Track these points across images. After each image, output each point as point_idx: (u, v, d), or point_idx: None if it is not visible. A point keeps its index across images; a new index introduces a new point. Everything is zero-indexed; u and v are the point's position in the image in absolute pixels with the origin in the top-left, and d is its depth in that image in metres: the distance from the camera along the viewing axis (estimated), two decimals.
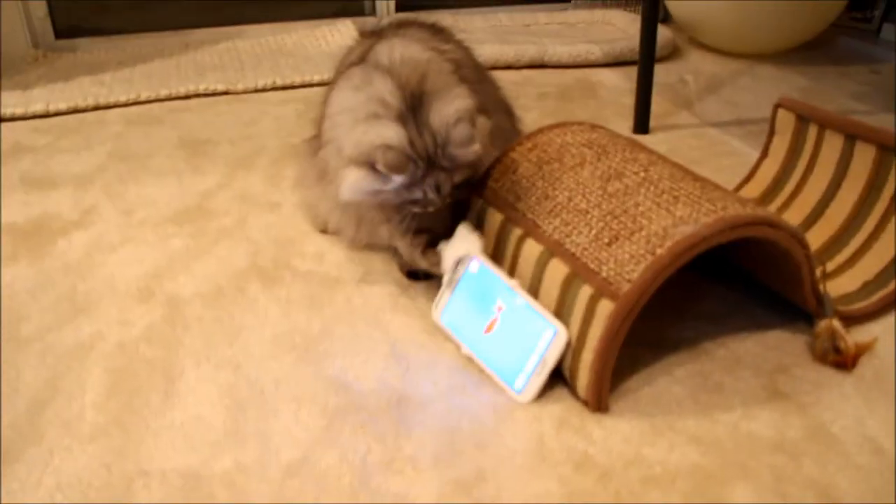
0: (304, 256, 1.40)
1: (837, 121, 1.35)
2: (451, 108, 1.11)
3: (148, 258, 1.41)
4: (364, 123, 1.12)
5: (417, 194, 1.12)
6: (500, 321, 1.11)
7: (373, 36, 1.36)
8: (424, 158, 1.10)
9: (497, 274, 1.13)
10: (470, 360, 1.12)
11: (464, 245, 1.18)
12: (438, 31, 1.43)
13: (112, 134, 2.00)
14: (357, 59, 1.28)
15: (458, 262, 1.18)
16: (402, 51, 1.19)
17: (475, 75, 1.38)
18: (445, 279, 1.19)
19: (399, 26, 1.41)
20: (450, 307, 1.18)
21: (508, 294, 1.11)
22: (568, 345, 1.04)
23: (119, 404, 1.06)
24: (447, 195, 1.13)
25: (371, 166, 1.10)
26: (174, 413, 1.04)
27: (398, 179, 1.09)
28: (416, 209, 1.15)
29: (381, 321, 1.22)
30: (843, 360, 1.09)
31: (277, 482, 0.92)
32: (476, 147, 1.11)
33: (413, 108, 1.11)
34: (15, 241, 1.48)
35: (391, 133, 1.09)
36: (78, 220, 1.55)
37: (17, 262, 1.40)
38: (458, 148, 1.10)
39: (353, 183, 1.12)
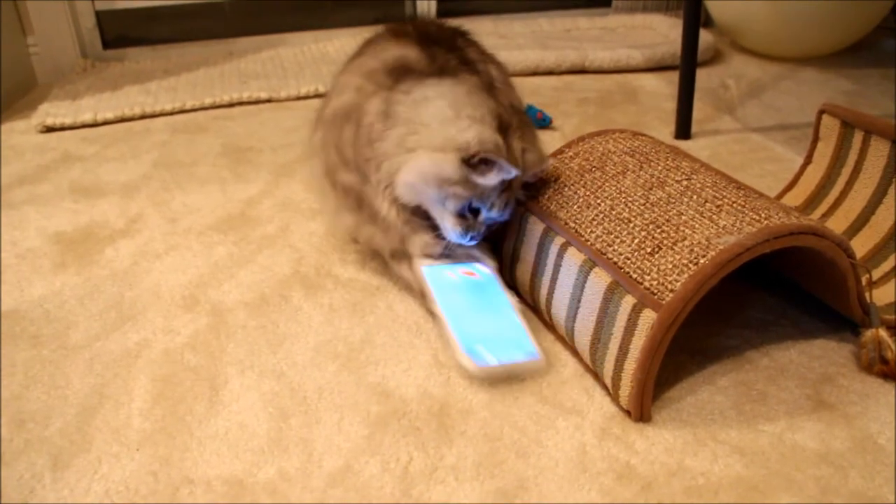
0: (346, 264, 1.42)
1: (883, 126, 1.33)
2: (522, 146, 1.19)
3: (192, 266, 1.43)
4: (467, 120, 1.14)
5: (486, 202, 1.16)
6: (491, 315, 1.16)
7: (409, 40, 1.36)
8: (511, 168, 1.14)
9: (503, 289, 1.19)
10: (433, 315, 1.17)
11: (477, 253, 1.25)
12: (466, 40, 1.45)
13: (158, 142, 2.04)
14: (397, 65, 1.29)
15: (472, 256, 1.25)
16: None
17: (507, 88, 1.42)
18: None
19: (435, 29, 1.42)
20: (440, 269, 1.22)
21: (507, 309, 1.17)
22: (536, 371, 1.10)
23: (165, 412, 1.07)
24: (500, 215, 1.19)
25: (459, 156, 1.12)
26: (218, 421, 1.05)
27: (489, 179, 1.12)
28: (463, 221, 1.17)
29: (423, 329, 1.23)
30: (889, 370, 1.08)
31: (320, 491, 0.93)
32: (546, 166, 1.20)
33: (505, 129, 1.17)
34: (64, 249, 1.51)
35: (497, 139, 1.14)
36: (125, 228, 1.58)
37: (65, 270, 1.43)
38: (529, 171, 1.19)
39: (430, 165, 1.14)
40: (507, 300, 1.18)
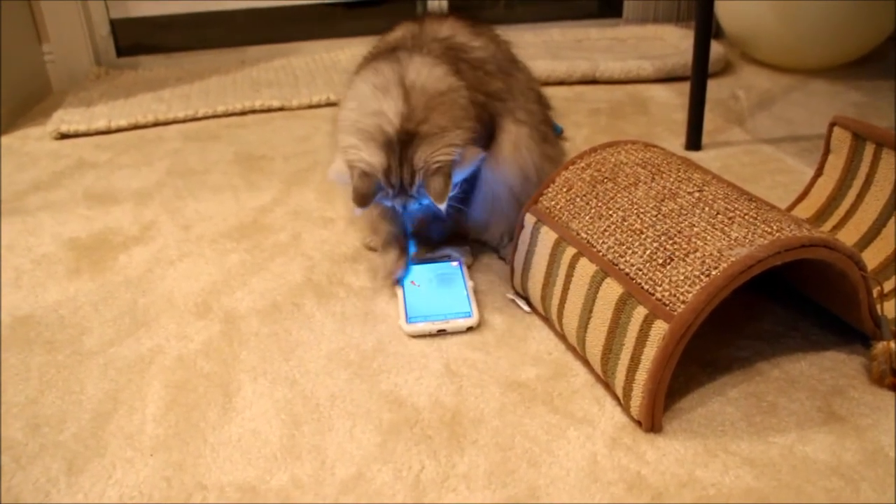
0: (359, 272, 1.42)
1: (895, 139, 1.33)
2: (435, 157, 1.19)
3: (205, 273, 1.44)
4: (358, 136, 1.22)
5: (387, 203, 1.26)
6: (444, 292, 1.31)
7: (414, 23, 1.42)
8: (397, 186, 1.21)
9: (465, 273, 1.36)
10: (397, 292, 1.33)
11: (456, 252, 1.42)
12: (476, 24, 1.46)
13: (170, 150, 2.05)
14: (389, 47, 1.36)
15: (445, 255, 1.42)
16: (428, 76, 1.25)
17: (503, 67, 1.41)
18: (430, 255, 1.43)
19: (440, 17, 1.45)
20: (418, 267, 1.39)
21: (461, 281, 1.33)
22: (469, 329, 1.25)
23: (178, 418, 1.08)
24: (411, 213, 1.32)
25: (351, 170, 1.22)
26: (231, 427, 1.06)
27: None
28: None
29: (435, 338, 1.23)
30: None
31: (332, 498, 0.94)
32: (445, 201, 1.20)
33: (404, 141, 1.20)
34: (78, 255, 1.52)
35: (372, 160, 1.20)
36: (138, 235, 1.59)
37: (79, 276, 1.44)
38: (430, 193, 1.20)
39: (338, 172, 1.25)
40: (465, 282, 1.33)
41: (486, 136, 1.32)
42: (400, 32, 1.41)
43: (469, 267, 1.41)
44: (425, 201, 1.24)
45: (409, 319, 1.25)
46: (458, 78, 1.27)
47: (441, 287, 1.32)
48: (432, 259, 1.40)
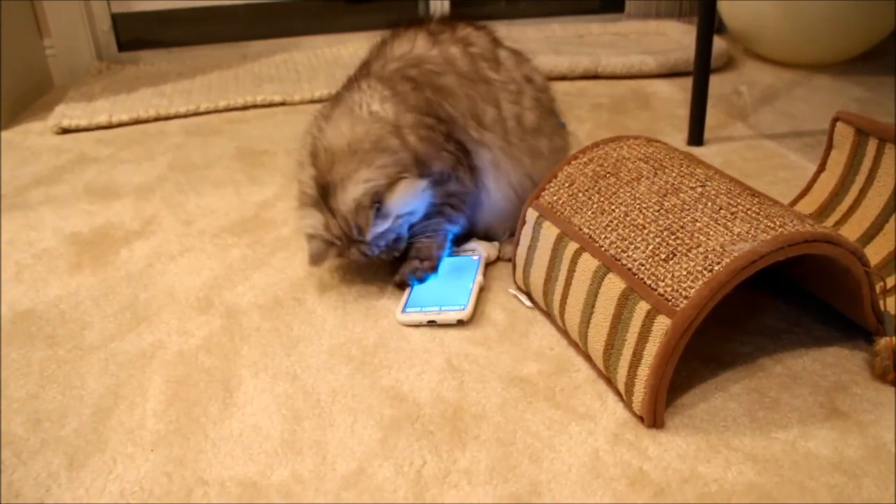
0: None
1: None
2: (349, 196, 1.25)
3: (207, 268, 1.44)
4: (299, 205, 1.35)
5: (349, 258, 1.32)
6: (452, 284, 1.32)
7: (380, 42, 1.47)
8: (342, 237, 1.28)
9: (478, 269, 1.35)
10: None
11: (482, 246, 1.42)
12: (441, 29, 1.45)
13: (172, 145, 2.05)
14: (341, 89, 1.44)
15: (470, 250, 1.42)
16: (333, 135, 1.31)
17: (464, 73, 1.39)
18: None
19: (406, 28, 1.46)
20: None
21: (471, 277, 1.33)
22: (459, 322, 1.24)
23: (179, 413, 1.08)
24: (378, 256, 1.30)
25: None
26: (232, 423, 1.06)
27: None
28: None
29: (437, 333, 1.23)
30: None
31: (333, 493, 0.94)
32: (376, 230, 1.26)
33: (324, 196, 1.28)
34: (79, 249, 1.52)
35: (312, 221, 1.30)
36: (139, 229, 1.59)
37: (81, 271, 1.44)
38: (366, 229, 1.26)
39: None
40: (474, 277, 1.32)
41: (457, 158, 1.34)
42: (366, 57, 1.47)
43: (489, 262, 1.41)
44: (381, 242, 1.28)
45: (404, 309, 1.27)
46: (374, 119, 1.31)
47: (449, 280, 1.33)
48: (457, 253, 1.41)
